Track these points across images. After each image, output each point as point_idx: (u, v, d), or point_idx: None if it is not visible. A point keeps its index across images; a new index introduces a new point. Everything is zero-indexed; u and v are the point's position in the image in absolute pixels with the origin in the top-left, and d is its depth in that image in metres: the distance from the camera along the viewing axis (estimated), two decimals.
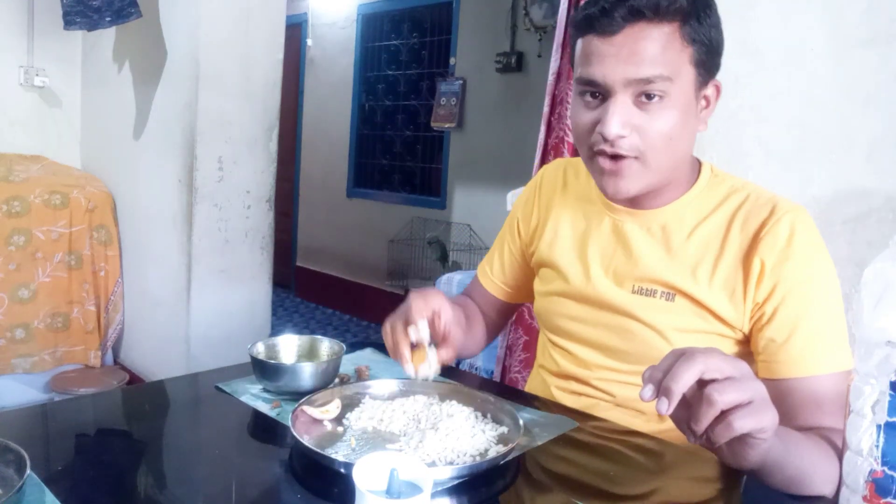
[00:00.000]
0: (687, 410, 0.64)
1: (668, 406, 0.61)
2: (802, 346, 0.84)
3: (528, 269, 1.14)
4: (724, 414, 0.62)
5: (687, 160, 0.93)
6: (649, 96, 0.84)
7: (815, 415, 0.82)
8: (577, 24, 0.88)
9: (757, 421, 0.62)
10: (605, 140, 0.85)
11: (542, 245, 1.08)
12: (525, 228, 1.13)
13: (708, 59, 0.87)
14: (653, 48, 0.83)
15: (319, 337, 1.04)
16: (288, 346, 1.02)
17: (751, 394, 0.62)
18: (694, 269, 0.91)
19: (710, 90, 0.90)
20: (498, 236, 1.19)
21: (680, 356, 0.63)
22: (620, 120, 0.84)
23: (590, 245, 1.00)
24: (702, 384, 0.62)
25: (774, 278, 0.86)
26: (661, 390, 0.62)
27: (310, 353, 1.03)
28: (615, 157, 0.87)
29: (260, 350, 0.98)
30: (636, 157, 0.86)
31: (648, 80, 0.83)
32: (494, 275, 1.17)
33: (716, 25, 0.87)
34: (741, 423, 0.61)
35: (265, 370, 0.93)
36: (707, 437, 0.64)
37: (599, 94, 0.87)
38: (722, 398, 0.61)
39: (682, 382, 0.60)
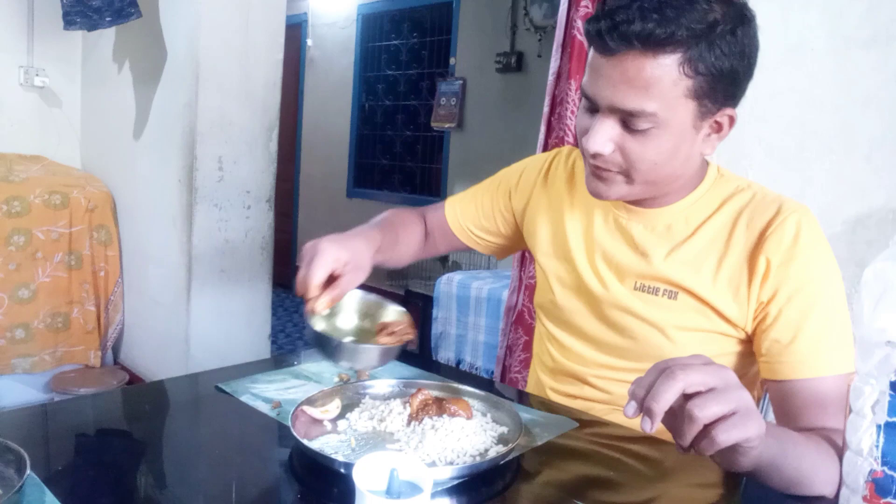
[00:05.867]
0: (675, 419, 0.64)
1: (651, 426, 0.61)
2: (807, 347, 0.84)
3: (508, 233, 1.16)
4: (707, 428, 0.61)
5: (686, 173, 0.91)
6: (634, 125, 0.82)
7: (818, 416, 0.82)
8: (584, 34, 0.87)
9: (741, 432, 0.61)
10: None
11: (542, 231, 1.07)
12: (519, 203, 1.13)
13: (717, 90, 0.81)
14: (640, 81, 0.79)
15: (381, 299, 0.95)
16: (349, 306, 0.93)
17: (734, 405, 0.61)
18: (698, 266, 0.91)
19: (722, 118, 0.85)
20: (482, 187, 1.19)
21: (661, 372, 0.62)
22: (601, 139, 0.84)
23: (594, 240, 1.00)
24: (686, 396, 0.62)
25: (779, 278, 0.86)
26: (644, 409, 0.61)
27: (370, 315, 0.94)
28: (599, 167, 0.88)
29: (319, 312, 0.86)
30: (619, 172, 0.87)
31: (631, 113, 0.81)
32: (464, 219, 1.17)
33: (736, 53, 0.79)
34: (724, 437, 0.61)
35: (332, 348, 0.84)
36: (694, 450, 0.64)
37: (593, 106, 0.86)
38: (703, 413, 0.60)
39: (664, 401, 0.60)
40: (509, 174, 1.17)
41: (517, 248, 1.19)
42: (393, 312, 0.94)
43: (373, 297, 0.94)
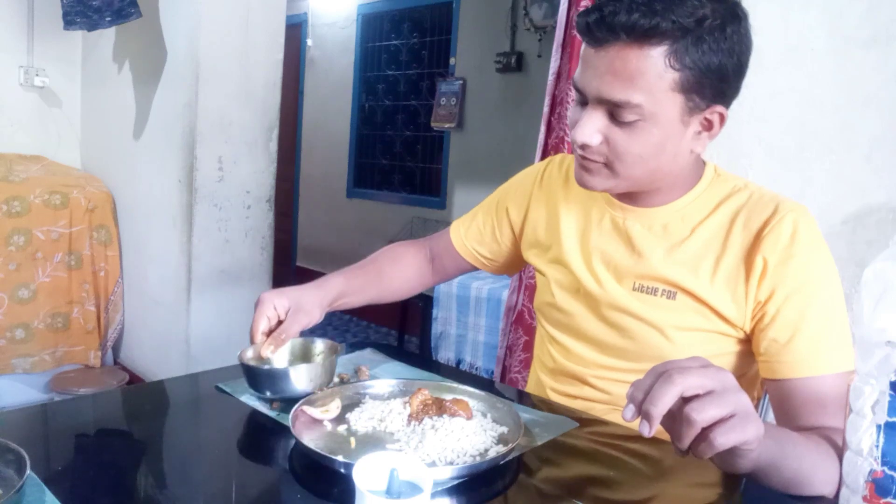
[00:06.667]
0: (674, 422, 0.64)
1: (649, 430, 0.61)
2: (806, 346, 0.84)
3: (509, 248, 1.17)
4: (704, 431, 0.61)
5: (674, 170, 0.91)
6: (620, 117, 0.83)
7: (818, 415, 0.82)
8: (575, 26, 0.88)
9: (738, 435, 0.61)
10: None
11: (541, 237, 1.08)
12: (517, 215, 1.14)
13: (704, 85, 0.81)
14: (626, 73, 0.80)
15: (312, 338, 1.01)
16: (280, 349, 0.97)
17: (731, 408, 0.61)
18: (696, 266, 0.91)
19: (712, 116, 0.85)
20: (482, 206, 1.21)
21: (659, 375, 0.62)
22: (589, 130, 0.85)
23: (591, 241, 1.00)
24: (684, 399, 0.62)
25: (776, 277, 0.86)
26: (642, 413, 0.61)
27: (304, 356, 0.99)
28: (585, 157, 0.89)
29: (249, 355, 0.93)
30: (604, 164, 0.88)
31: (617, 104, 0.82)
32: (468, 240, 1.19)
33: (724, 49, 0.80)
34: (723, 440, 0.61)
35: (255, 376, 0.90)
36: (692, 453, 0.64)
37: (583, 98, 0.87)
38: (700, 417, 0.60)
39: (661, 405, 0.60)
40: (505, 190, 1.18)
41: (522, 265, 1.20)
42: (321, 345, 1.00)
43: (302, 339, 1.01)
